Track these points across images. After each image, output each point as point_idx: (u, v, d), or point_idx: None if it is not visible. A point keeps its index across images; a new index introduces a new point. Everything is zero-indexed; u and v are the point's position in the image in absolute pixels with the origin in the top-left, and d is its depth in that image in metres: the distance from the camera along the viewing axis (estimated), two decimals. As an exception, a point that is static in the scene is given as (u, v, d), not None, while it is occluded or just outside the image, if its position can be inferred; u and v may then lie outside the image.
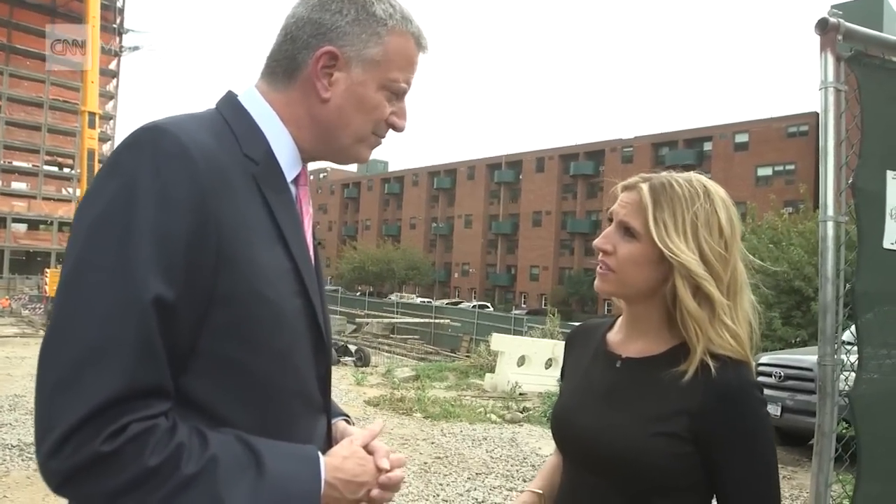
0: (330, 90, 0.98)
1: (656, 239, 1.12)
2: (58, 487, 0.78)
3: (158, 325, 0.79)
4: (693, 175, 1.19)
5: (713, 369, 1.08)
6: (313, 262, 1.02)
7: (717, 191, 1.17)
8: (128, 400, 0.77)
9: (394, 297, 42.40)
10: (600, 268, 1.20)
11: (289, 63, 0.99)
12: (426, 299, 46.53)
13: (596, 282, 1.22)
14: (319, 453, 0.93)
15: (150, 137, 0.85)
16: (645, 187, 1.16)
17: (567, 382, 1.33)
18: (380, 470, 0.98)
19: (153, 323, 0.79)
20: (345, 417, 1.17)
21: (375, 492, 0.97)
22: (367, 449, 1.00)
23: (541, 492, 1.33)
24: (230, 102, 1.00)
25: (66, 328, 0.78)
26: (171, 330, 0.81)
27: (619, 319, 1.28)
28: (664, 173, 1.19)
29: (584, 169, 53.24)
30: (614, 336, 1.27)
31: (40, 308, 24.97)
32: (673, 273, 1.12)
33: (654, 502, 1.12)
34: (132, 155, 0.84)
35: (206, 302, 0.84)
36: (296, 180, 1.02)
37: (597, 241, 1.20)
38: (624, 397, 1.17)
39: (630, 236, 1.16)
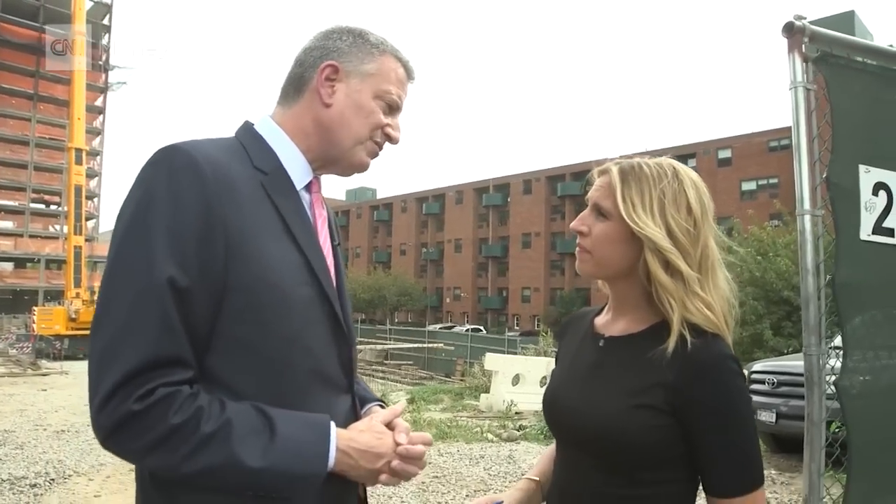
0: (332, 97, 1.15)
1: (624, 215, 1.17)
2: (104, 441, 0.95)
3: (175, 304, 0.95)
4: (664, 158, 1.24)
5: (689, 343, 1.11)
6: (331, 259, 1.15)
7: (688, 172, 1.22)
8: (153, 368, 0.94)
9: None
10: (578, 249, 1.25)
11: (298, 82, 1.17)
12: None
13: (576, 263, 1.26)
14: (332, 422, 1.03)
15: (166, 155, 1.03)
16: (615, 169, 1.22)
17: (557, 367, 1.36)
18: (397, 445, 1.08)
19: (169, 301, 0.95)
20: (379, 403, 1.26)
21: (396, 463, 1.07)
22: (389, 426, 1.11)
23: (538, 479, 1.35)
24: (246, 129, 1.18)
25: (104, 311, 0.97)
26: (188, 311, 0.96)
27: (607, 304, 1.33)
28: (636, 157, 1.24)
29: (572, 189, 53.56)
30: (601, 319, 1.31)
31: (28, 347, 24.59)
32: (644, 249, 1.17)
33: (638, 475, 1.13)
34: (152, 170, 1.03)
35: (221, 289, 0.99)
36: (308, 187, 1.17)
37: (573, 224, 1.25)
38: (605, 374, 1.20)
39: (603, 216, 1.21)
